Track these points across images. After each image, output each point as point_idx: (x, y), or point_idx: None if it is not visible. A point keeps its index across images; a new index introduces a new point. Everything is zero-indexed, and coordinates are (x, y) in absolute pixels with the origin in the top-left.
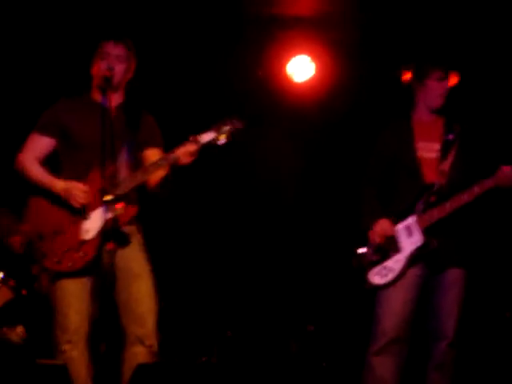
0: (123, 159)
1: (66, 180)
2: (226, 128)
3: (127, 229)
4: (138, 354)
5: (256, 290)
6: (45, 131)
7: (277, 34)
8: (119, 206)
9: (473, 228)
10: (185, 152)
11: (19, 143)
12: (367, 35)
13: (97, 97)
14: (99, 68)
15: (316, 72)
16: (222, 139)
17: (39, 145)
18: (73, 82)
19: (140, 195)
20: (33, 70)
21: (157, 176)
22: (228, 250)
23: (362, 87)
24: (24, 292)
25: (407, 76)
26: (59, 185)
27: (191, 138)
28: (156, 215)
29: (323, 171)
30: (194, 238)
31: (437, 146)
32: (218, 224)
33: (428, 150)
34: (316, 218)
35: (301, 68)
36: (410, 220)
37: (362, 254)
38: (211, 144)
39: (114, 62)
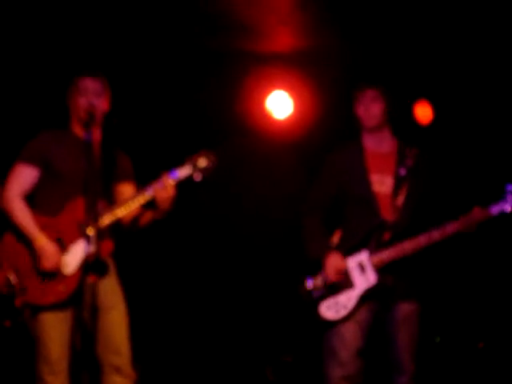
0: (101, 194)
1: (47, 239)
2: (202, 163)
3: (106, 260)
4: (117, 383)
5: (235, 316)
6: (30, 161)
7: (254, 69)
8: (98, 241)
9: (426, 263)
10: (163, 187)
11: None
12: (346, 71)
13: (77, 131)
14: (79, 104)
15: (294, 108)
16: (198, 175)
17: (25, 176)
18: (48, 115)
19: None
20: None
21: (131, 213)
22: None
23: (341, 123)
24: (7, 324)
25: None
26: (39, 241)
27: (167, 174)
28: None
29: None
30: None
31: (390, 180)
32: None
33: (382, 184)
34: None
35: (280, 104)
36: (363, 256)
37: (312, 285)
38: (187, 179)
39: (93, 97)
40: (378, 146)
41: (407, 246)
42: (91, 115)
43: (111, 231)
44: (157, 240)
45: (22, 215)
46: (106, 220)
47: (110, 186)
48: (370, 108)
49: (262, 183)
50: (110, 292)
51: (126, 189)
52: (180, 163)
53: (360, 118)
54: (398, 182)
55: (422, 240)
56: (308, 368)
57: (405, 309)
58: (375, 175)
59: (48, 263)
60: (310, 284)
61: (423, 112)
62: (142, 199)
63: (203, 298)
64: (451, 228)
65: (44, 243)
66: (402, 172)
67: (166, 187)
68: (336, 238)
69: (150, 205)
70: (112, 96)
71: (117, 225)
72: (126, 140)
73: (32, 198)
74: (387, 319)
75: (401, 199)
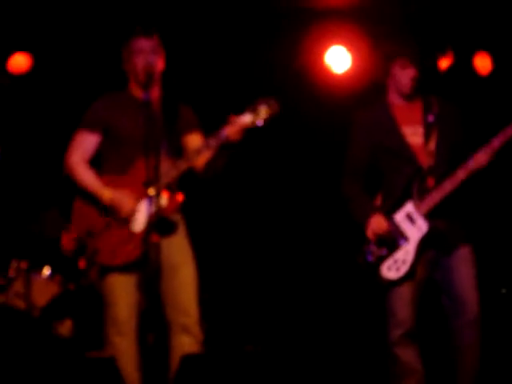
0: (164, 151)
1: (114, 190)
2: (262, 109)
3: (171, 218)
4: (184, 343)
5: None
6: (91, 128)
7: (313, 25)
8: (164, 197)
9: (473, 202)
10: (233, 130)
11: (61, 143)
12: (404, 26)
13: (136, 92)
14: (137, 64)
15: (352, 63)
16: (260, 120)
17: (86, 143)
18: (106, 78)
19: (183, 184)
20: (68, 68)
21: (203, 159)
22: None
23: None
24: (71, 287)
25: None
26: (106, 195)
27: (230, 119)
28: (199, 204)
29: None
30: (238, 226)
31: (420, 130)
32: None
33: (413, 134)
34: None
35: (338, 59)
36: (408, 207)
37: (368, 249)
38: (249, 126)
39: (151, 56)
40: (403, 100)
41: (447, 185)
42: (149, 75)
43: (180, 185)
44: (228, 197)
45: (87, 176)
46: (172, 175)
47: (176, 141)
48: (410, 82)
49: (318, 138)
50: (178, 250)
51: (194, 139)
52: (239, 111)
53: (394, 85)
54: (428, 129)
55: (460, 174)
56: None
57: (462, 251)
58: (406, 127)
59: (123, 209)
60: (366, 247)
61: (482, 63)
62: (207, 148)
63: (269, 257)
64: (485, 153)
65: (112, 193)
66: (430, 119)
67: (236, 130)
68: (379, 200)
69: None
70: (173, 51)
71: (190, 176)
72: (188, 95)
73: (98, 165)
74: (445, 264)
75: (432, 145)
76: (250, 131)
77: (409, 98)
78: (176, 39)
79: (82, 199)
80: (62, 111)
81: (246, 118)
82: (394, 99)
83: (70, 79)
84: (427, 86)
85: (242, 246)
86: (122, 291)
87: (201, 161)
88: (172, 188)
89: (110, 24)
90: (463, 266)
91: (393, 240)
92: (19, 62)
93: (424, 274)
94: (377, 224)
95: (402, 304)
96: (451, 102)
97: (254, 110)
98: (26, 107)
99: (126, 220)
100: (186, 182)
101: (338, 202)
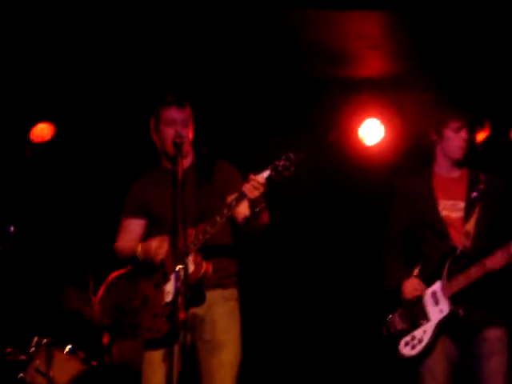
0: (199, 217)
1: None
2: (282, 164)
3: (221, 294)
4: None
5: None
6: (131, 214)
7: (346, 97)
8: (191, 263)
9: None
10: (251, 189)
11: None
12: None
13: (166, 164)
14: (166, 135)
15: (385, 135)
16: (279, 176)
17: (131, 228)
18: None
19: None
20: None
21: (242, 214)
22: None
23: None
24: (94, 363)
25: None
26: (138, 248)
27: (253, 175)
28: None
29: None
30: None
31: (461, 205)
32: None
33: (452, 209)
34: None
35: (371, 131)
36: (436, 286)
37: (392, 321)
38: (271, 180)
39: (181, 127)
40: (449, 171)
41: (473, 272)
42: (177, 147)
43: (230, 248)
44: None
45: (127, 245)
46: (198, 240)
47: (213, 204)
48: (463, 146)
49: (351, 208)
50: (223, 328)
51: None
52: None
53: (444, 150)
54: (470, 206)
55: (488, 264)
56: None
57: (489, 337)
58: (445, 200)
59: (157, 253)
60: (390, 319)
61: None
62: (231, 208)
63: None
64: (501, 255)
65: (142, 244)
66: (474, 195)
67: (252, 186)
68: (416, 272)
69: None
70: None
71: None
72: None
73: None
74: (474, 351)
75: (472, 223)
76: (279, 189)
77: (458, 164)
78: (212, 110)
79: (120, 275)
80: (84, 181)
81: (265, 174)
82: (440, 169)
83: (94, 149)
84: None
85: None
86: (154, 366)
87: (239, 217)
88: (202, 255)
89: (134, 92)
90: (491, 354)
91: (416, 316)
92: (42, 131)
93: (453, 351)
94: (413, 286)
95: (432, 378)
96: (501, 176)
97: (274, 166)
98: (47, 178)
99: (159, 283)
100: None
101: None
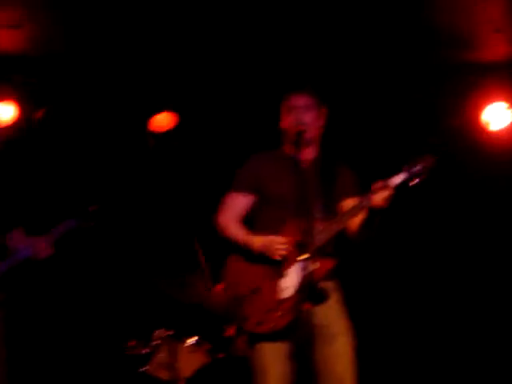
0: (318, 214)
1: (263, 235)
2: (418, 167)
3: (324, 285)
4: None
5: None
6: (243, 189)
7: (473, 80)
8: (315, 261)
9: None
10: (379, 197)
11: (214, 203)
12: None
13: (290, 151)
14: (289, 122)
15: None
16: (415, 179)
17: (238, 203)
18: (263, 137)
19: (338, 248)
20: (224, 128)
21: (355, 221)
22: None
23: None
24: (221, 355)
25: None
26: (257, 241)
27: (383, 181)
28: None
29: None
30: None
31: None
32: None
33: None
34: None
35: (497, 116)
36: None
37: None
38: (404, 185)
39: (303, 114)
40: None
41: None
42: (299, 134)
43: (332, 249)
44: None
45: (234, 228)
46: (323, 238)
47: (331, 204)
48: None
49: (471, 195)
50: (334, 319)
51: (349, 204)
52: (397, 171)
53: None
54: None
55: None
56: None
57: None
58: None
59: (278, 252)
60: None
61: None
62: (359, 211)
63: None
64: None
65: (262, 239)
66: None
67: (384, 197)
68: None
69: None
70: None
71: (342, 239)
72: (345, 153)
73: (250, 226)
74: None
75: None
76: (408, 189)
77: None
78: (338, 98)
79: (232, 261)
80: (211, 172)
81: (400, 178)
82: None
83: (220, 136)
84: None
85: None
86: (272, 361)
87: (354, 224)
88: (324, 252)
89: (266, 81)
90: None
91: None
92: (163, 120)
93: None
94: None
95: None
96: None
97: (410, 169)
98: (171, 167)
99: (279, 268)
100: (341, 247)
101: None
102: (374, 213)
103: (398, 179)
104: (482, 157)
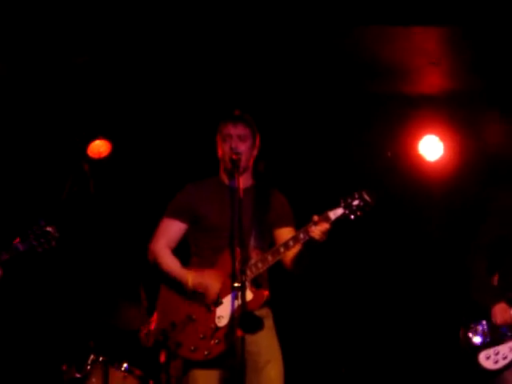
0: (252, 242)
1: (196, 271)
2: (356, 203)
3: (257, 312)
4: None
5: None
6: (176, 216)
7: (407, 112)
8: (249, 290)
9: None
10: (318, 232)
11: (149, 232)
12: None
13: (224, 179)
14: (224, 151)
15: (444, 152)
16: (353, 215)
17: (171, 230)
18: (198, 165)
19: (272, 276)
20: (159, 158)
21: (291, 253)
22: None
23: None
24: (151, 382)
25: None
26: (191, 279)
27: (321, 215)
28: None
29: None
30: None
31: None
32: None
33: None
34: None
35: (431, 147)
36: None
37: (474, 331)
38: (342, 219)
39: (237, 142)
40: None
41: None
42: (233, 162)
43: (267, 279)
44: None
45: (170, 262)
46: (256, 269)
47: (265, 233)
48: None
49: (412, 223)
50: (265, 347)
51: (285, 233)
52: (334, 204)
53: None
54: None
55: None
56: None
57: None
58: None
59: (209, 292)
60: (472, 330)
61: None
62: (296, 244)
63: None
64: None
65: (197, 277)
66: None
67: (322, 230)
68: (495, 281)
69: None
70: (263, 139)
71: (277, 269)
72: (281, 183)
73: (187, 255)
74: None
75: None
76: (345, 223)
77: None
78: (271, 126)
79: (167, 289)
80: (146, 201)
81: (339, 212)
82: None
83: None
84: None
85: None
86: None
87: (289, 255)
88: (258, 282)
89: (201, 110)
90: None
91: (501, 333)
92: (99, 147)
93: None
94: (503, 313)
95: None
96: None
97: (348, 204)
98: (106, 192)
99: (211, 307)
100: (275, 274)
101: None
102: (310, 246)
103: (336, 213)
104: (416, 187)
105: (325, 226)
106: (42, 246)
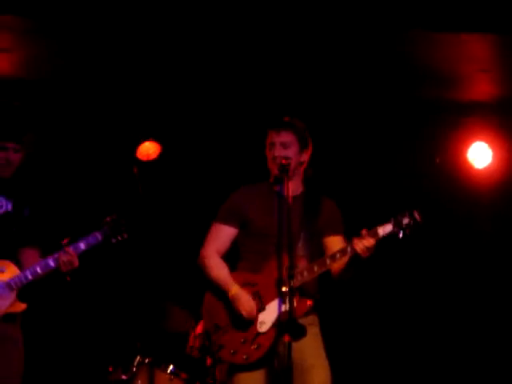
0: (301, 249)
1: (241, 289)
2: (406, 221)
3: (303, 320)
4: None
5: None
6: (226, 221)
7: (455, 119)
8: (295, 299)
9: None
10: (363, 246)
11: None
12: None
13: (274, 185)
14: (269, 158)
15: (493, 159)
16: (401, 233)
17: (222, 236)
18: (247, 168)
19: (319, 286)
20: (208, 160)
21: (338, 264)
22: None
23: None
24: None
25: None
26: (233, 291)
27: (370, 231)
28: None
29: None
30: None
31: None
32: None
33: None
34: None
35: (480, 154)
36: None
37: None
38: (390, 236)
39: (280, 150)
40: None
41: None
42: (282, 168)
43: (313, 289)
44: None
45: (217, 269)
46: (302, 278)
47: (313, 240)
48: None
49: (459, 230)
50: (311, 353)
51: (333, 242)
52: (384, 219)
53: None
54: None
55: None
56: None
57: None
58: None
59: (243, 310)
60: None
61: None
62: (343, 257)
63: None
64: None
65: (238, 291)
66: None
67: (368, 247)
68: None
69: None
70: (314, 145)
71: (323, 278)
72: (329, 188)
73: (236, 260)
74: None
75: None
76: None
77: None
78: (322, 132)
79: (213, 292)
80: (197, 205)
81: (387, 229)
82: None
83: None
84: None
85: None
86: None
87: (336, 266)
88: (304, 291)
89: (252, 112)
90: None
91: None
92: (148, 149)
93: None
94: None
95: None
96: None
97: (398, 222)
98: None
99: (246, 321)
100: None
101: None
102: (356, 259)
103: (385, 230)
104: (464, 194)
105: (370, 241)
106: (115, 237)
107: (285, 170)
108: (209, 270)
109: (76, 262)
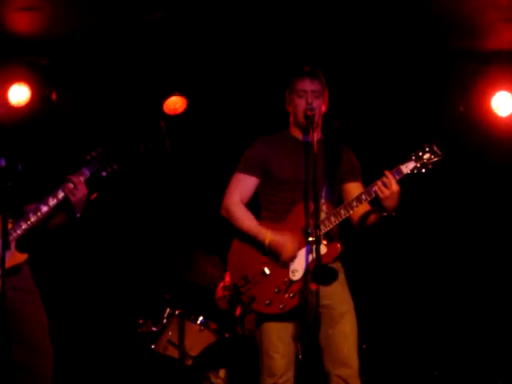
0: (324, 195)
1: (273, 229)
2: (427, 156)
3: (331, 266)
4: None
5: None
6: (249, 170)
7: (479, 69)
8: (323, 244)
9: None
10: (387, 185)
11: (215, 185)
12: None
13: (296, 134)
14: (298, 106)
15: None
16: (424, 168)
17: (244, 185)
18: (267, 119)
19: (343, 233)
20: (229, 111)
21: (360, 211)
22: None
23: None
24: (227, 335)
25: None
26: (268, 237)
27: (393, 170)
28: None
29: None
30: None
31: None
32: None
33: None
34: None
35: (503, 103)
36: None
37: None
38: (412, 173)
39: (312, 98)
40: None
41: None
42: (309, 118)
43: (338, 234)
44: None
45: (247, 219)
46: (329, 223)
47: (335, 187)
48: None
49: (482, 178)
50: (339, 300)
51: (353, 188)
52: (404, 158)
53: None
54: None
55: None
56: None
57: None
58: None
59: (284, 253)
60: None
61: None
62: (367, 198)
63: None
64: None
65: (275, 237)
66: None
67: (392, 185)
68: None
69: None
70: (336, 95)
71: (344, 226)
72: (350, 137)
73: (258, 209)
74: None
75: None
76: (413, 176)
77: None
78: (338, 81)
79: (239, 243)
80: (217, 155)
81: (409, 166)
82: None
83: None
84: None
85: (397, 294)
86: (279, 341)
87: (358, 213)
88: (330, 236)
89: (270, 64)
90: None
91: None
92: (175, 104)
93: None
94: None
95: None
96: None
97: (419, 157)
98: (179, 147)
99: (285, 264)
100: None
101: None
102: (380, 208)
103: (408, 167)
104: (488, 142)
105: (393, 180)
106: (105, 170)
107: (311, 120)
108: (239, 221)
109: (83, 189)
